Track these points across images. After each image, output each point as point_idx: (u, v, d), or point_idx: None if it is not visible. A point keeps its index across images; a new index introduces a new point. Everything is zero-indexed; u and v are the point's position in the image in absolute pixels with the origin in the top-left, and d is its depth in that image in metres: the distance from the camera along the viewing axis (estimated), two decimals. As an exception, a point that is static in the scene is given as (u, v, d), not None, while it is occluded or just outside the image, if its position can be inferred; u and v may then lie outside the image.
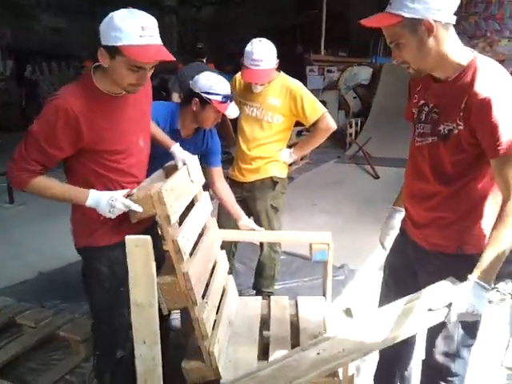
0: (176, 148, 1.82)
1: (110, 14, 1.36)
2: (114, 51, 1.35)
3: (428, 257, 1.44)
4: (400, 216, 1.65)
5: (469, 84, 1.22)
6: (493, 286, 2.90)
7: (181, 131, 2.04)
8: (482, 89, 1.19)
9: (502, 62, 2.71)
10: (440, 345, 1.47)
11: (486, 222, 1.34)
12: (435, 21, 1.18)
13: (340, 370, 1.61)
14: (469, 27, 10.65)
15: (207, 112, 1.98)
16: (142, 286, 1.46)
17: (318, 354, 1.23)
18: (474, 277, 1.20)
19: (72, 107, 1.39)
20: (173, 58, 1.42)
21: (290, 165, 6.82)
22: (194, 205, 1.85)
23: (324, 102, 2.69)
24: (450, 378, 1.52)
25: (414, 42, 1.22)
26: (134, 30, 1.32)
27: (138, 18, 1.34)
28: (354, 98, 9.74)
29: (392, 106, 7.52)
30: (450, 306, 1.19)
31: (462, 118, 1.24)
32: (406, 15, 1.18)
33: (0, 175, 5.23)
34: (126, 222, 1.56)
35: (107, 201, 1.47)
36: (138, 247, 1.42)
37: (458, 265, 1.33)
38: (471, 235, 1.36)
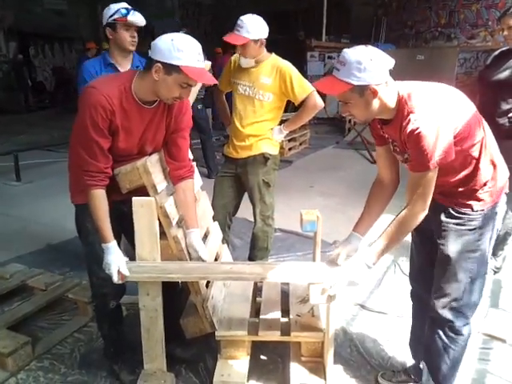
0: None
1: (170, 36, 1.50)
2: (172, 69, 1.50)
3: (444, 212, 1.60)
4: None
5: (400, 122, 1.45)
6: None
7: None
8: (408, 125, 1.40)
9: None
10: (450, 294, 1.62)
11: (486, 181, 1.54)
12: (378, 84, 1.39)
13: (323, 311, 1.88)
14: (470, 16, 10.65)
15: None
16: (147, 242, 1.64)
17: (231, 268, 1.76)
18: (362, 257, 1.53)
19: (110, 103, 1.55)
20: (216, 82, 1.72)
21: (290, 149, 7.00)
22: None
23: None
24: (452, 335, 1.66)
25: (361, 102, 1.43)
26: (194, 55, 1.51)
27: (195, 44, 1.53)
28: (354, 84, 9.80)
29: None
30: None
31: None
32: (355, 83, 1.38)
33: (5, 154, 5.42)
34: (114, 186, 1.70)
35: (107, 262, 1.63)
36: (143, 207, 1.59)
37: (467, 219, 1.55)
38: (474, 196, 1.55)
